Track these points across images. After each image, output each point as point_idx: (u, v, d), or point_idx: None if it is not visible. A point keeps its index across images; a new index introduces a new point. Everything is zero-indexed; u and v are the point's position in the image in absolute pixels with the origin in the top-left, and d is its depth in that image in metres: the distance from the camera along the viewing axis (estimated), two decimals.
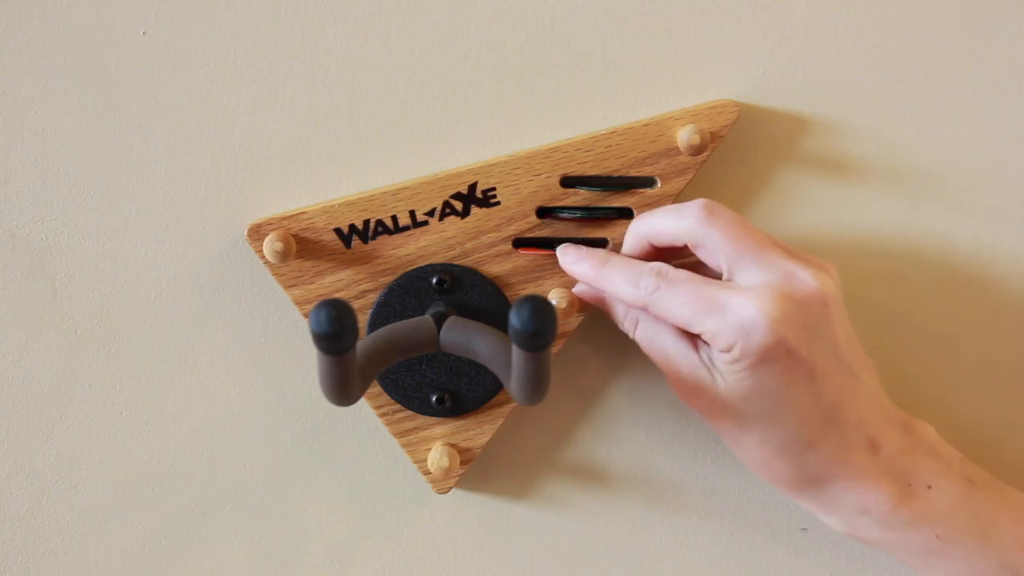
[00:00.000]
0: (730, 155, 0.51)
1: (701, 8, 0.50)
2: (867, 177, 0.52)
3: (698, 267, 0.47)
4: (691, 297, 0.44)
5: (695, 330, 0.44)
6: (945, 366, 0.54)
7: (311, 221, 0.49)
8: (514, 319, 0.37)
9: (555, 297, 0.50)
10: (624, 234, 0.49)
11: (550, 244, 0.50)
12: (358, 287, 0.50)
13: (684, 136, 0.49)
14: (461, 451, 0.52)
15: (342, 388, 0.41)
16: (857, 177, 0.52)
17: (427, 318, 0.45)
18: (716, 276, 0.45)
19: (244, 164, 0.51)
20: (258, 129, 0.51)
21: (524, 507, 0.55)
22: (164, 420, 0.53)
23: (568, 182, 0.50)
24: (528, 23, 0.50)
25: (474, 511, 0.55)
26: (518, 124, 0.51)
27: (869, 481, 0.44)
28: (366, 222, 0.49)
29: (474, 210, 0.49)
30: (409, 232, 0.49)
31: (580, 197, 0.50)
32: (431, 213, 0.49)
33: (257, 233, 0.49)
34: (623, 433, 0.55)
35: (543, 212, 0.50)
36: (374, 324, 0.50)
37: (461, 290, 0.49)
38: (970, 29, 0.51)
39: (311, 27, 0.50)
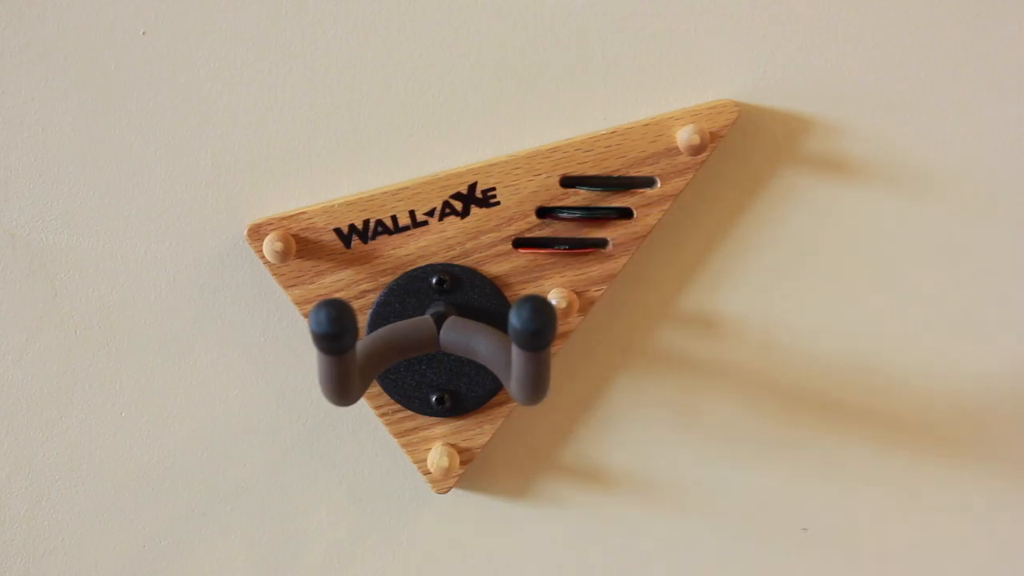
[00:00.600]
0: (730, 155, 0.51)
1: (701, 8, 0.50)
2: (867, 177, 0.52)
3: None
4: None
5: None
6: (945, 366, 0.54)
7: (311, 221, 0.49)
8: (514, 319, 0.37)
9: (555, 297, 0.50)
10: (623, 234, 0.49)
11: (550, 244, 0.50)
12: (358, 287, 0.50)
13: (684, 136, 0.49)
14: (461, 451, 0.52)
15: (342, 388, 0.41)
16: (857, 177, 0.52)
17: (427, 318, 0.45)
18: None
19: (244, 164, 0.51)
20: (258, 129, 0.51)
21: (524, 507, 0.55)
22: (164, 420, 0.53)
23: (568, 182, 0.50)
24: (528, 23, 0.50)
25: (474, 511, 0.56)
26: (518, 124, 0.51)
27: None
28: (366, 222, 0.49)
29: (474, 210, 0.49)
30: (409, 232, 0.49)
31: (580, 197, 0.50)
32: (431, 213, 0.49)
33: (257, 233, 0.49)
34: (623, 433, 0.55)
35: (543, 212, 0.50)
36: (374, 324, 0.50)
37: (461, 290, 0.49)
38: (970, 29, 0.51)
39: (311, 27, 0.50)
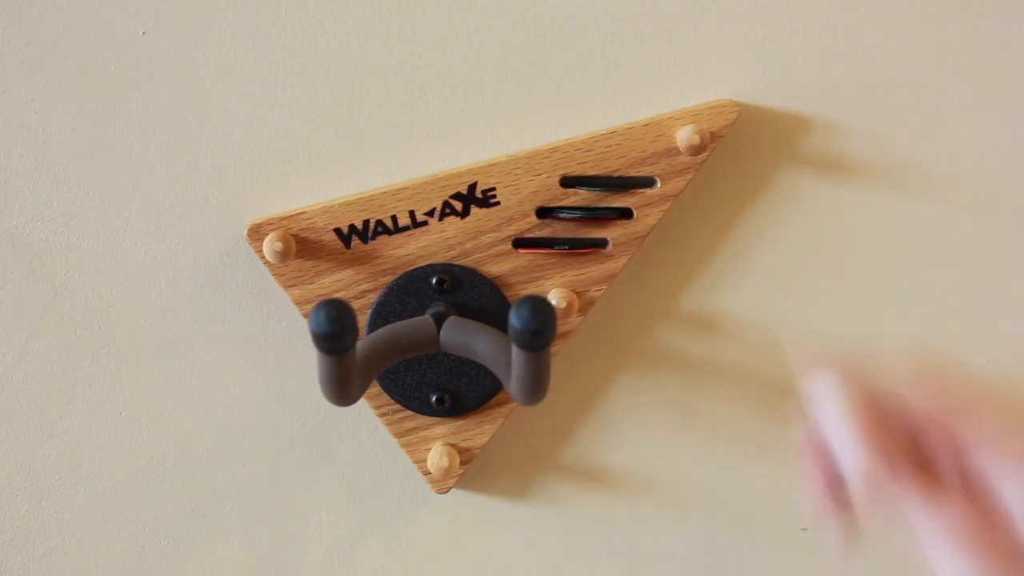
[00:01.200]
0: (730, 155, 0.51)
1: (701, 8, 0.50)
2: (867, 177, 0.52)
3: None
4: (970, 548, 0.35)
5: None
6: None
7: (311, 221, 0.49)
8: (514, 319, 0.37)
9: (555, 297, 0.50)
10: (619, 234, 0.49)
11: (550, 244, 0.50)
12: (358, 287, 0.50)
13: (684, 136, 0.48)
14: (461, 451, 0.52)
15: (342, 388, 0.41)
16: (857, 177, 0.52)
17: (427, 318, 0.45)
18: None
19: (244, 164, 0.51)
20: (258, 129, 0.51)
21: (524, 507, 0.55)
22: (164, 420, 0.53)
23: (568, 182, 0.50)
24: (528, 23, 0.50)
25: (474, 511, 0.55)
26: (518, 124, 0.51)
27: None
28: (366, 222, 0.49)
29: (474, 210, 0.49)
30: (409, 232, 0.49)
31: (580, 197, 0.50)
32: (431, 213, 0.49)
33: (257, 233, 0.49)
34: (623, 433, 0.55)
35: (543, 212, 0.50)
36: (374, 324, 0.50)
37: (461, 290, 0.49)
38: (970, 29, 0.51)
39: (311, 27, 0.50)
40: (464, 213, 0.49)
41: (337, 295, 0.50)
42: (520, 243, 0.50)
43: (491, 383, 0.50)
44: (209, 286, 0.52)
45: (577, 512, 0.56)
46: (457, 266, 0.50)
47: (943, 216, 0.53)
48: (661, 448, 0.55)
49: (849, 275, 0.53)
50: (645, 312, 0.53)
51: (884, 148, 0.52)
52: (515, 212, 0.49)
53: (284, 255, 0.48)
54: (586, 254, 0.50)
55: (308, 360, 0.53)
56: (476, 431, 0.52)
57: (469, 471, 0.54)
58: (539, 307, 0.37)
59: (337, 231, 0.49)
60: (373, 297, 0.50)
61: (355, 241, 0.49)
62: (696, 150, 0.49)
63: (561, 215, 0.49)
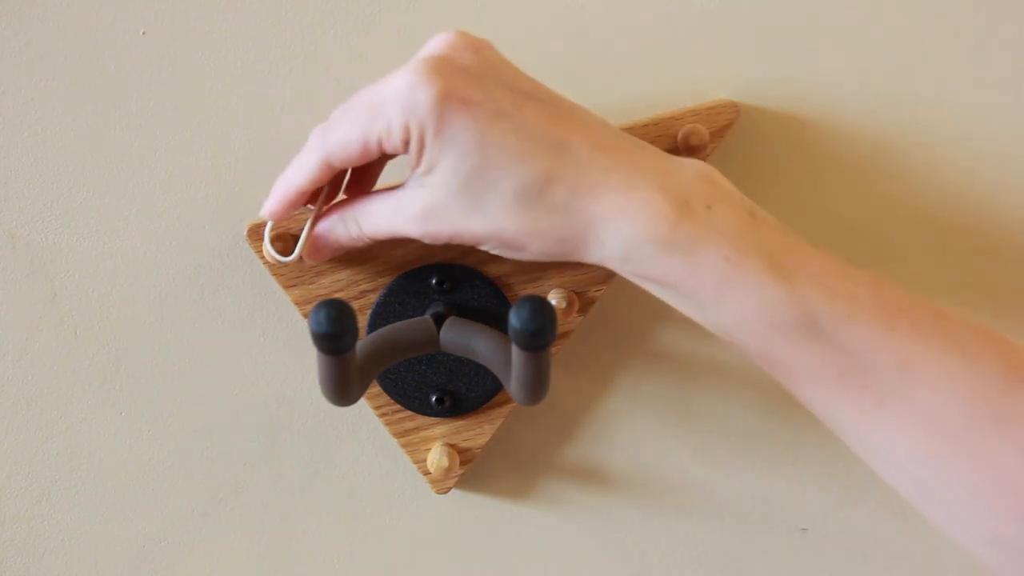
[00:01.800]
0: (730, 155, 0.51)
1: (701, 8, 0.50)
2: (867, 177, 0.52)
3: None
4: (354, 112, 0.41)
5: (373, 143, 0.41)
6: None
7: None
8: (514, 319, 0.37)
9: (555, 297, 0.50)
10: None
11: None
12: (358, 287, 0.50)
13: (684, 136, 0.48)
14: (461, 451, 0.52)
15: (342, 388, 0.41)
16: (857, 177, 0.52)
17: (427, 318, 0.45)
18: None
19: (244, 164, 0.51)
20: (258, 129, 0.51)
21: (524, 507, 0.55)
22: (164, 420, 0.53)
23: None
24: (528, 23, 0.50)
25: (474, 511, 0.55)
26: None
27: (637, 197, 0.40)
28: None
29: None
30: None
31: None
32: None
33: (257, 233, 0.49)
34: (623, 433, 0.55)
35: None
36: (374, 324, 0.50)
37: (461, 290, 0.49)
38: (970, 29, 0.51)
39: (311, 27, 0.50)
40: None
41: (337, 295, 0.50)
42: None
43: (491, 383, 0.50)
44: (209, 286, 0.52)
45: (577, 512, 0.56)
46: (457, 266, 0.49)
47: (943, 216, 0.53)
48: (661, 448, 0.55)
49: None
50: (645, 312, 0.53)
51: (884, 148, 0.52)
52: None
53: (284, 255, 0.48)
54: None
55: (308, 360, 0.53)
56: (476, 431, 0.52)
57: (469, 471, 0.54)
58: (539, 307, 0.37)
59: None
60: (373, 297, 0.50)
61: None
62: (696, 150, 0.49)
63: None
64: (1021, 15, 0.51)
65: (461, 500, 0.55)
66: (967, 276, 0.53)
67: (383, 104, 0.40)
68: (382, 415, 0.51)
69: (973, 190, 0.52)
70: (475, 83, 0.40)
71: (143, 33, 0.49)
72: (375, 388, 0.51)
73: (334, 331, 0.37)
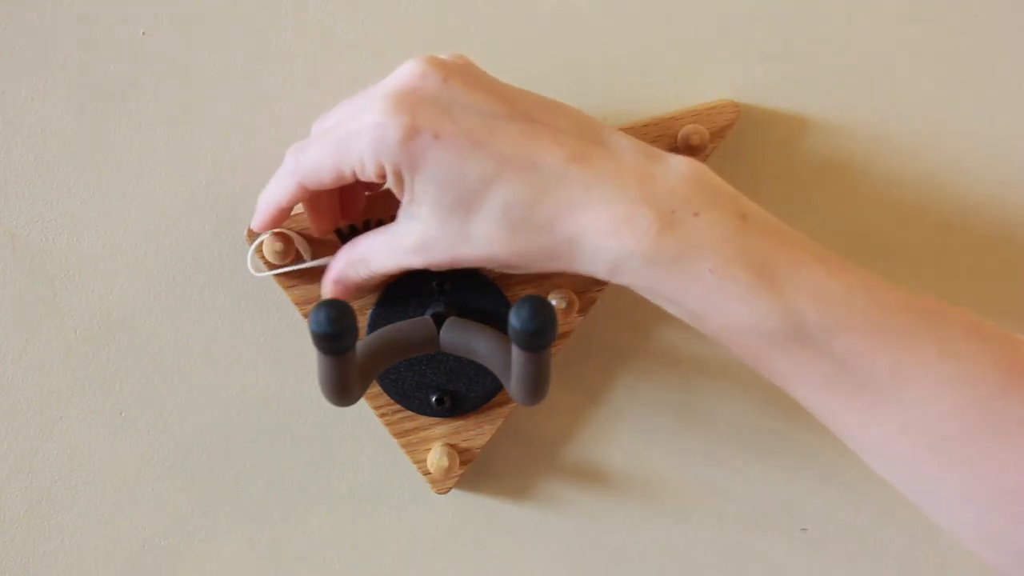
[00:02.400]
0: (730, 155, 0.51)
1: (702, 8, 0.50)
2: (867, 177, 0.52)
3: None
4: (326, 140, 0.41)
5: (347, 173, 0.41)
6: None
7: None
8: (514, 319, 0.37)
9: (555, 297, 0.50)
10: None
11: None
12: None
13: (684, 136, 0.49)
14: (461, 451, 0.52)
15: (342, 388, 0.41)
16: (857, 177, 0.52)
17: (427, 318, 0.45)
18: None
19: (244, 164, 0.51)
20: (258, 129, 0.51)
21: (524, 507, 0.56)
22: (164, 420, 0.53)
23: None
24: (527, 24, 0.50)
25: (474, 511, 0.56)
26: None
27: (620, 212, 0.39)
28: (366, 222, 0.49)
29: None
30: None
31: None
32: None
33: (257, 233, 0.49)
34: (623, 433, 0.55)
35: None
36: (374, 324, 0.50)
37: (461, 290, 0.49)
38: (970, 29, 0.51)
39: (311, 27, 0.50)
40: None
41: None
42: None
43: (491, 383, 0.50)
44: (209, 286, 0.52)
45: (577, 512, 0.56)
46: None
47: (943, 216, 0.53)
48: (661, 448, 0.55)
49: None
50: (645, 312, 0.53)
51: (884, 148, 0.52)
52: None
53: (284, 255, 0.48)
54: None
55: (308, 360, 0.53)
56: (476, 431, 0.52)
57: (469, 471, 0.54)
58: (539, 307, 0.37)
59: (337, 231, 0.49)
60: (373, 297, 0.50)
61: None
62: (696, 150, 0.49)
63: None
64: (1021, 15, 0.51)
65: (461, 500, 0.55)
66: (967, 276, 0.53)
67: (353, 138, 0.40)
68: (382, 415, 0.51)
69: (973, 190, 0.52)
70: (444, 114, 0.40)
71: (143, 33, 0.50)
72: (375, 388, 0.51)
73: (334, 331, 0.37)
